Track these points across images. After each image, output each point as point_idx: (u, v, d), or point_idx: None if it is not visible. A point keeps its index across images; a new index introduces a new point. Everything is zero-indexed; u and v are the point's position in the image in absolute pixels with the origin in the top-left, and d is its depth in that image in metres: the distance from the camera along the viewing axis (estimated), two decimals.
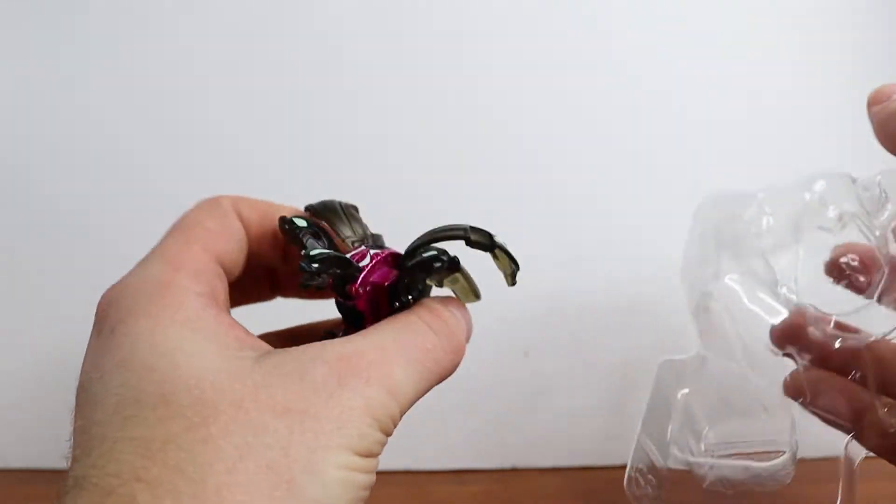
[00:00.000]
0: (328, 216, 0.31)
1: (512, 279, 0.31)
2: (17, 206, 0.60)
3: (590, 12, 0.60)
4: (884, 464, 0.61)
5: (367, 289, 0.28)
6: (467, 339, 0.28)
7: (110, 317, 0.24)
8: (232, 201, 0.31)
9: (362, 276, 0.28)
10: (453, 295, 0.32)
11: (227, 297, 0.27)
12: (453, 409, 0.59)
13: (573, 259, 0.60)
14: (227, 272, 0.28)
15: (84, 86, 0.60)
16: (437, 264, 0.28)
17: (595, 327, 0.60)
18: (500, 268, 0.31)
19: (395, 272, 0.29)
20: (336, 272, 0.27)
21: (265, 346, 0.24)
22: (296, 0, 0.59)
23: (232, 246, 0.28)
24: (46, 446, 0.66)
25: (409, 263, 0.29)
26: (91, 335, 0.25)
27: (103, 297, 0.26)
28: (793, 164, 0.40)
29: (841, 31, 0.63)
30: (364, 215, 0.35)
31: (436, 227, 0.30)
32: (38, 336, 0.60)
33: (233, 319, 0.25)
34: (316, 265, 0.26)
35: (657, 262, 0.62)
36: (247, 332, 0.25)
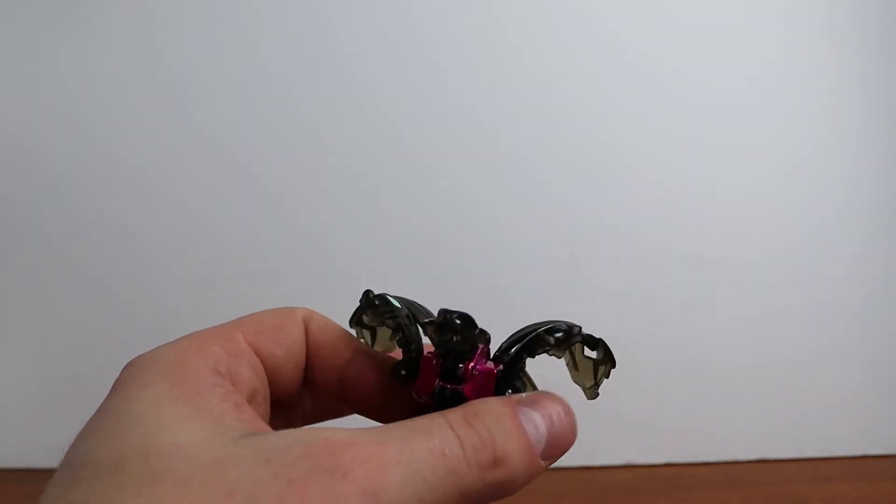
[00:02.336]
0: (407, 303, 0.28)
1: (595, 391, 0.28)
2: (18, 206, 0.60)
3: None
4: (883, 464, 0.62)
5: (476, 373, 0.25)
6: (547, 454, 0.23)
7: (119, 381, 0.23)
8: (306, 313, 0.28)
9: (476, 357, 0.25)
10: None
11: (265, 393, 0.25)
12: None
13: (573, 259, 0.61)
14: (273, 372, 0.26)
15: (86, 88, 0.60)
16: (558, 335, 0.25)
17: (595, 327, 0.60)
18: (580, 379, 0.28)
19: (496, 365, 0.26)
20: (460, 344, 0.24)
21: (269, 430, 0.22)
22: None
23: (281, 349, 0.26)
24: (46, 446, 0.67)
25: (517, 347, 0.25)
26: None
27: (124, 366, 0.25)
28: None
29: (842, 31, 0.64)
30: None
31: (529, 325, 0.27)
32: (38, 337, 0.60)
33: (247, 406, 0.23)
34: (458, 321, 0.23)
35: (655, 261, 0.62)
36: (257, 418, 0.22)
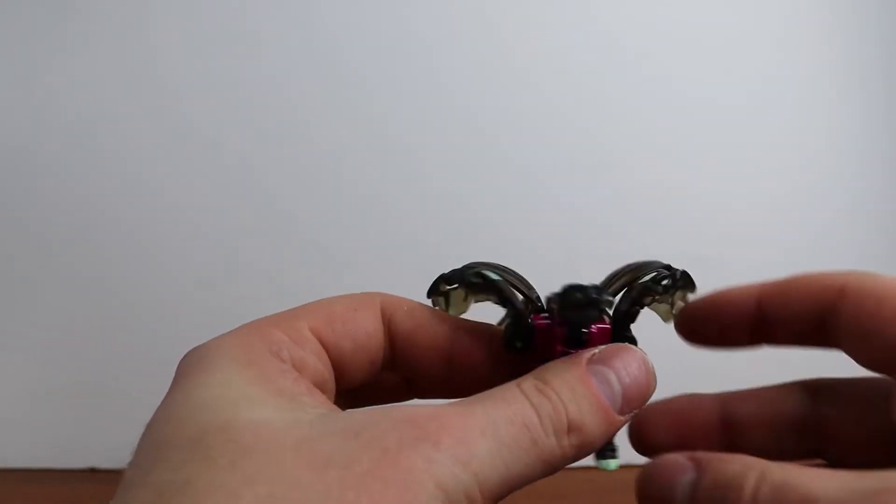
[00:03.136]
0: (499, 271, 0.27)
1: (671, 314, 0.27)
2: (18, 208, 0.60)
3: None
4: None
5: (595, 333, 0.24)
6: (623, 409, 0.23)
7: (181, 370, 0.22)
8: (385, 301, 0.26)
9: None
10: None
11: (331, 385, 0.25)
12: None
13: (572, 259, 0.61)
14: (340, 364, 0.25)
15: (85, 92, 0.60)
16: (665, 282, 0.25)
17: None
18: (657, 307, 0.27)
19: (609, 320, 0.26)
20: (595, 315, 0.24)
21: (333, 406, 0.22)
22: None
23: (349, 341, 0.25)
24: (46, 446, 0.67)
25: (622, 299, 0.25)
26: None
27: (184, 355, 0.24)
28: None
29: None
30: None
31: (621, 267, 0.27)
32: (38, 337, 0.60)
33: (317, 390, 0.22)
34: (595, 295, 0.23)
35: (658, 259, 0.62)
36: (329, 402, 0.22)
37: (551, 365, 0.23)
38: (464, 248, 0.65)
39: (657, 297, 0.26)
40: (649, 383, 0.24)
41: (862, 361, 0.23)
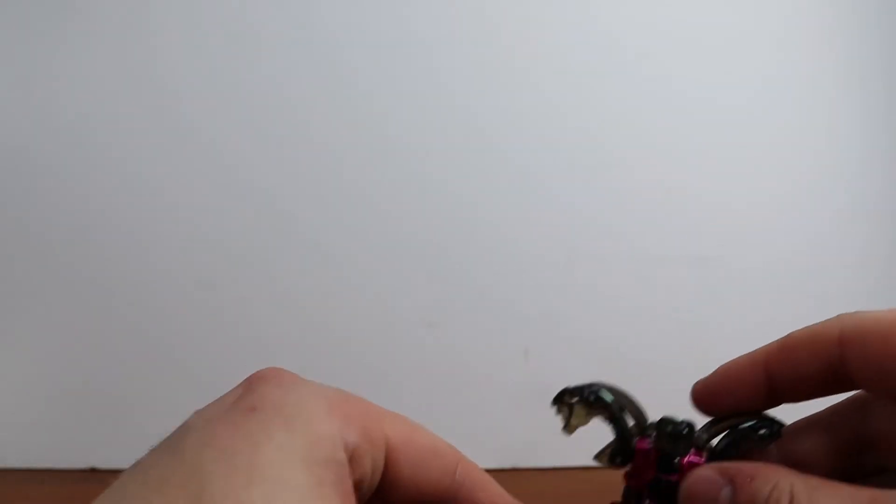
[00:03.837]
0: (614, 393, 0.30)
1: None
2: (18, 207, 0.60)
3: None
4: None
5: (688, 466, 0.27)
6: None
7: (258, 400, 0.21)
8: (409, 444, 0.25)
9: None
10: None
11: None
12: (453, 408, 0.59)
13: (572, 259, 0.61)
14: (392, 456, 0.24)
15: (86, 93, 0.60)
16: (762, 431, 0.27)
17: (595, 327, 0.60)
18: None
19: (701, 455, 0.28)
20: (685, 449, 0.27)
21: None
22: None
23: (415, 451, 0.24)
24: (47, 446, 0.67)
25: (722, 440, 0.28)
26: (235, 397, 0.22)
27: (261, 372, 0.23)
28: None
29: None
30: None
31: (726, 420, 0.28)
32: (38, 337, 0.60)
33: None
34: (685, 432, 0.26)
35: (657, 262, 0.62)
36: None
37: None
38: (464, 248, 0.65)
39: (754, 444, 0.28)
40: None
41: (889, 398, 0.24)
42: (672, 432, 0.27)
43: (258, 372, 0.22)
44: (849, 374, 0.24)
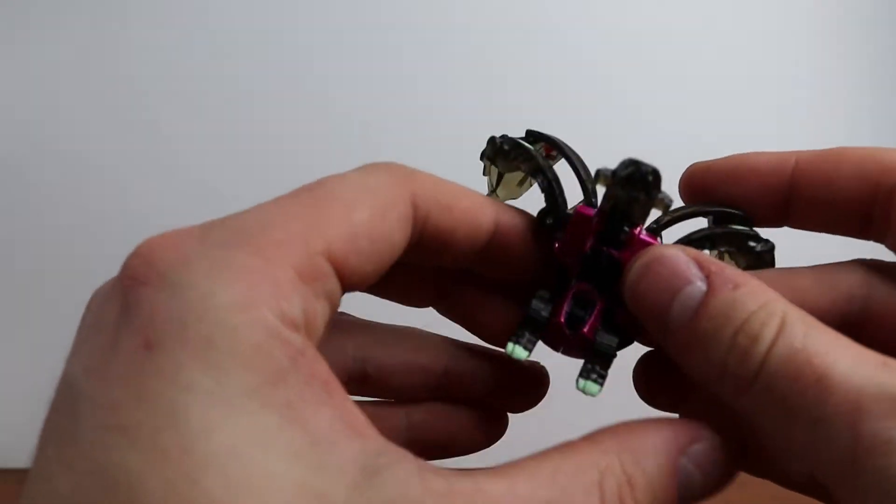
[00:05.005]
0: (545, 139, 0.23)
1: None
2: (17, 206, 0.60)
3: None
4: None
5: (639, 241, 0.22)
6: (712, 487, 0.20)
7: (148, 326, 0.15)
8: (417, 191, 0.21)
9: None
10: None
11: (331, 307, 0.18)
12: None
13: None
14: (351, 285, 0.19)
15: (82, 90, 0.60)
16: (760, 245, 0.23)
17: None
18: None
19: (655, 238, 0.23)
20: (644, 205, 0.21)
21: (379, 445, 0.16)
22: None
23: (372, 265, 0.19)
24: None
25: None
26: (101, 299, 0.16)
27: (138, 254, 0.17)
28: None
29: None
30: None
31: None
32: (38, 335, 0.61)
33: (351, 405, 0.16)
34: (651, 178, 0.20)
35: None
36: (358, 414, 0.16)
37: (636, 449, 0.19)
38: None
39: (731, 252, 0.23)
40: (721, 487, 0.21)
41: None
42: (632, 176, 0.21)
43: (132, 258, 0.16)
44: (887, 219, 0.21)
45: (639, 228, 0.23)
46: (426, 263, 0.23)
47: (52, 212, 0.62)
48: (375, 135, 0.61)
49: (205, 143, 0.62)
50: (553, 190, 0.24)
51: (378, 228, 0.19)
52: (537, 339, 0.23)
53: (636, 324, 0.22)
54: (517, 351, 0.23)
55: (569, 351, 0.22)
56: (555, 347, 0.22)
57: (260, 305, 0.15)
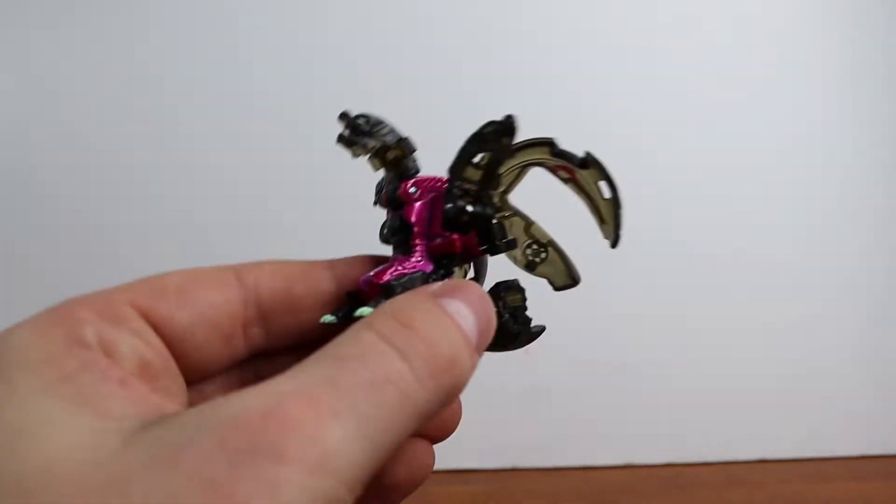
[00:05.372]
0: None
1: (615, 233, 0.24)
2: (17, 207, 0.60)
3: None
4: (883, 464, 0.61)
5: (413, 192, 0.23)
6: (479, 344, 0.20)
7: None
8: (243, 265, 0.23)
9: (417, 177, 0.23)
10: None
11: (170, 367, 0.20)
12: None
13: (573, 258, 0.60)
14: (179, 341, 0.21)
15: (82, 92, 0.60)
16: (489, 129, 0.22)
17: (595, 327, 0.60)
18: (602, 221, 0.24)
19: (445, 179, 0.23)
20: (395, 152, 0.22)
21: (169, 407, 0.17)
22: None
23: (185, 312, 0.21)
24: None
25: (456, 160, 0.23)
26: None
27: None
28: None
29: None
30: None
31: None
32: None
33: (134, 379, 0.18)
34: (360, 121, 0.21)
35: (659, 261, 0.62)
36: (151, 393, 0.18)
37: (397, 301, 0.19)
38: None
39: (493, 152, 0.23)
40: (493, 316, 0.21)
41: None
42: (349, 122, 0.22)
43: None
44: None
45: (409, 181, 0.23)
46: (290, 340, 0.24)
47: (56, 212, 0.61)
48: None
49: (214, 143, 0.61)
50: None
51: (188, 286, 0.21)
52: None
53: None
54: (326, 318, 0.22)
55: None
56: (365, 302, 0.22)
57: (52, 332, 0.18)
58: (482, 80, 0.60)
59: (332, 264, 0.23)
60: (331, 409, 0.15)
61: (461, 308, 0.19)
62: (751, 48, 0.62)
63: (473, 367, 0.19)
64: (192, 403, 0.19)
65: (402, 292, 0.21)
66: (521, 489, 0.57)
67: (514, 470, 0.59)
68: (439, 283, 0.20)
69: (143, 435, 0.15)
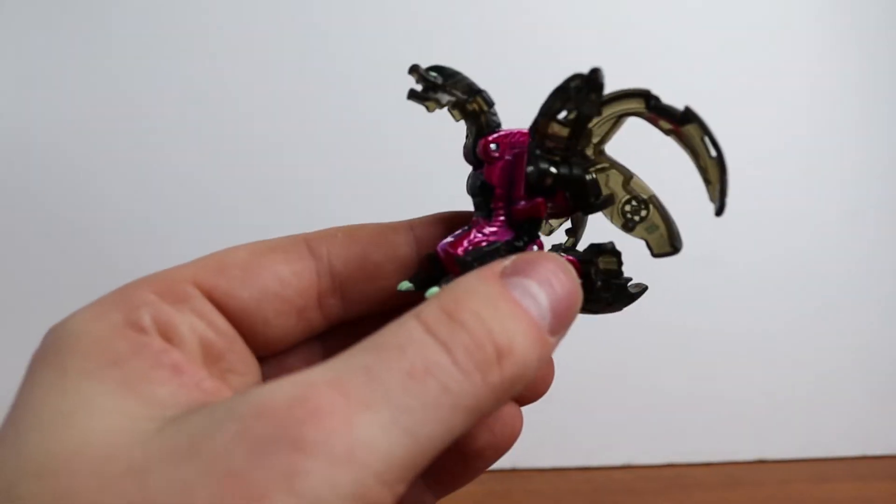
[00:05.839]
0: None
1: (720, 199, 0.21)
2: (16, 207, 0.60)
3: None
4: (883, 464, 0.61)
5: (494, 152, 0.21)
6: (555, 327, 0.18)
7: (30, 365, 0.18)
8: (312, 235, 0.22)
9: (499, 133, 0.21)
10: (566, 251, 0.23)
11: (237, 347, 0.20)
12: None
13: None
14: (245, 318, 0.20)
15: (83, 93, 0.60)
16: (574, 83, 0.21)
17: (595, 327, 0.60)
18: (708, 181, 0.22)
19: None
20: (472, 106, 0.21)
21: (225, 392, 0.17)
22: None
23: (248, 290, 0.20)
24: None
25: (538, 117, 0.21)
26: None
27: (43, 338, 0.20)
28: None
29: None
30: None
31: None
32: (38, 333, 0.60)
33: (192, 365, 0.17)
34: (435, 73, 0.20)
35: (660, 261, 0.62)
36: (207, 379, 0.17)
37: (456, 283, 0.17)
38: None
39: (581, 107, 0.21)
40: (577, 291, 0.20)
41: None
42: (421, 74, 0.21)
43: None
44: None
45: (490, 137, 0.22)
46: (366, 308, 0.23)
47: (56, 212, 0.61)
48: (376, 139, 0.61)
49: (201, 146, 0.61)
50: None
51: (253, 261, 0.20)
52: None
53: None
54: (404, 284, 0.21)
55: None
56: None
57: (109, 316, 0.18)
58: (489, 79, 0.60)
59: (410, 225, 0.22)
60: (363, 399, 0.14)
61: (531, 287, 0.18)
62: (751, 48, 0.62)
63: (543, 353, 0.18)
64: (271, 377, 0.18)
65: (477, 267, 0.19)
66: (521, 489, 0.57)
67: (514, 470, 0.59)
68: (511, 259, 0.19)
69: (175, 423, 0.15)
